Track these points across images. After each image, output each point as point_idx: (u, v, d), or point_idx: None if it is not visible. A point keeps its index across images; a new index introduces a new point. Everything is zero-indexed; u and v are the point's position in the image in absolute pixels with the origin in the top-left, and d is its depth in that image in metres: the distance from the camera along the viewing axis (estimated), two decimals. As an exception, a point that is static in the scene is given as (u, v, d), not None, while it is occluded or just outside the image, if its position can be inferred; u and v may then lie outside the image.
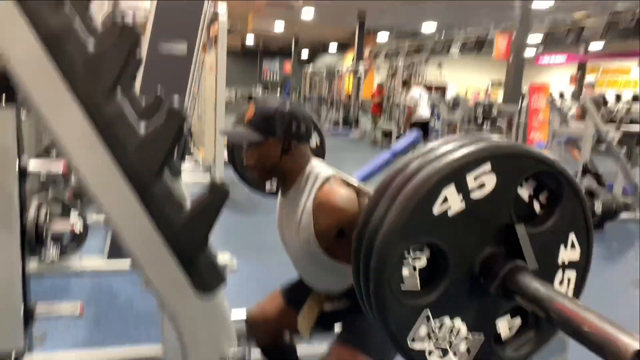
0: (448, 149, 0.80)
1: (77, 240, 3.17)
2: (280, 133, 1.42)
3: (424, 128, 9.04)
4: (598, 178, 5.76)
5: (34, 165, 2.01)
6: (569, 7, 11.65)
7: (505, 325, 0.89)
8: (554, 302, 0.71)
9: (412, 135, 3.78)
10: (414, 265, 0.81)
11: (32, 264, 3.14)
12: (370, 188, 1.43)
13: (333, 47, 23.71)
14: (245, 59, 25.47)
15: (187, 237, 0.87)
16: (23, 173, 1.93)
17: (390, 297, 0.79)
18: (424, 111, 9.62)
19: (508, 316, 0.89)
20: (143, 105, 2.09)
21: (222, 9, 5.23)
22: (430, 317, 0.82)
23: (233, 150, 2.26)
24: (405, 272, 0.80)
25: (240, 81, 23.01)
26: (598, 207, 5.37)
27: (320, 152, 2.17)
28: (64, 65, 0.78)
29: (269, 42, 24.75)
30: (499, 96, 13.50)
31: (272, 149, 1.43)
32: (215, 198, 0.88)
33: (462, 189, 0.77)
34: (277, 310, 1.80)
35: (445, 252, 0.79)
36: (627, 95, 13.69)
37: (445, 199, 0.77)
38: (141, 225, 0.84)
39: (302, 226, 1.43)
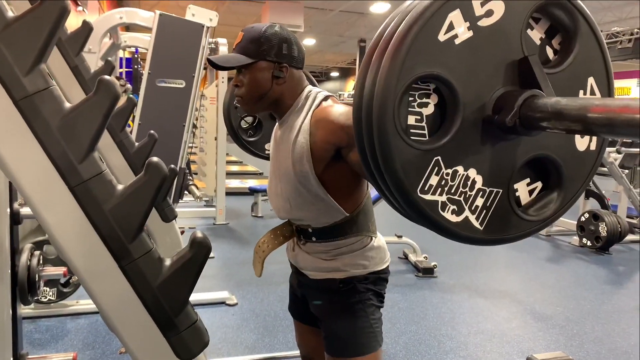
0: None
1: (74, 282, 3.14)
2: (270, 55, 1.34)
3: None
4: (601, 200, 5.70)
5: (26, 211, 1.99)
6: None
7: (524, 189, 0.82)
8: (590, 106, 0.62)
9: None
10: (420, 111, 0.74)
11: (28, 306, 3.11)
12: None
13: (335, 73, 23.97)
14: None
15: (166, 297, 0.84)
16: (15, 219, 1.91)
17: (397, 138, 0.71)
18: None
19: (527, 180, 0.83)
20: (135, 144, 2.09)
21: (223, 40, 5.30)
22: (442, 164, 0.74)
23: (229, 111, 2.23)
24: (412, 120, 0.74)
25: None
26: (603, 230, 5.31)
27: None
28: (37, 126, 0.77)
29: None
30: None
31: (263, 73, 1.35)
32: (195, 254, 0.85)
33: (469, 15, 0.72)
34: (306, 338, 1.70)
35: (454, 87, 0.73)
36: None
37: (451, 26, 0.71)
38: (116, 286, 0.82)
39: (298, 145, 1.35)
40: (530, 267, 4.83)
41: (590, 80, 0.82)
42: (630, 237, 5.60)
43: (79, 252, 0.79)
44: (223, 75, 5.61)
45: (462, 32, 0.73)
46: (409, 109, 0.75)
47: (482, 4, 0.74)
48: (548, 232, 6.13)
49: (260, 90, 1.37)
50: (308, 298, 1.56)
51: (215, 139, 6.09)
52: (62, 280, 3.13)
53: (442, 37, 0.73)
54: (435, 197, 0.76)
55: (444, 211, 0.77)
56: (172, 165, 2.14)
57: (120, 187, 0.82)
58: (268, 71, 1.35)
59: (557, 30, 0.82)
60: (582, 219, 5.52)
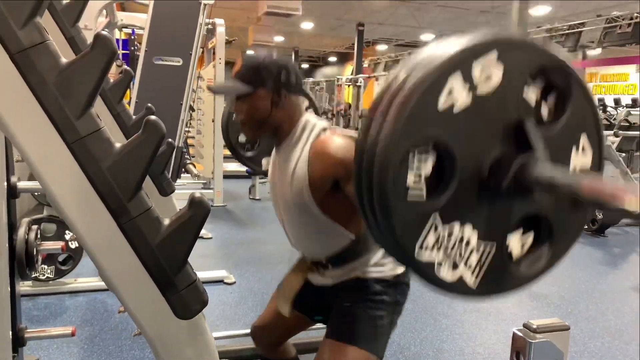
0: (449, 42, 0.78)
1: (72, 258, 3.15)
2: (269, 83, 1.37)
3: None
4: (599, 183, 5.70)
5: (23, 185, 1.98)
6: (566, 11, 11.69)
7: (517, 242, 0.86)
8: (581, 182, 0.69)
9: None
10: (419, 171, 0.78)
11: (27, 284, 3.12)
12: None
13: (333, 58, 23.86)
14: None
15: (165, 256, 0.84)
16: (12, 192, 1.90)
17: (396, 198, 0.75)
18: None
19: (520, 231, 0.86)
20: (133, 117, 2.08)
21: (220, 21, 5.25)
22: (440, 222, 0.78)
23: (227, 126, 2.24)
24: (411, 178, 0.77)
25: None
26: (599, 212, 5.33)
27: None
28: (34, 81, 0.76)
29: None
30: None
31: (262, 101, 1.38)
32: (194, 214, 0.85)
33: (469, 80, 0.75)
34: (274, 313, 1.70)
35: (452, 151, 0.77)
36: (626, 101, 13.65)
37: (451, 91, 0.74)
38: (115, 245, 0.82)
39: (296, 176, 1.38)
40: (526, 249, 4.85)
41: (583, 137, 0.86)
42: (625, 220, 5.62)
43: (77, 209, 0.79)
44: (220, 56, 5.57)
45: (461, 98, 0.76)
46: (408, 169, 0.78)
47: (482, 69, 0.77)
48: (545, 215, 6.13)
49: (260, 117, 1.40)
50: (324, 292, 1.57)
51: (213, 120, 6.06)
52: (61, 258, 3.13)
53: (442, 104, 0.75)
54: (432, 256, 0.80)
55: (440, 271, 0.81)
56: (170, 139, 2.14)
57: (118, 145, 0.81)
58: (266, 98, 1.38)
59: (551, 89, 0.85)
60: (579, 201, 5.53)
